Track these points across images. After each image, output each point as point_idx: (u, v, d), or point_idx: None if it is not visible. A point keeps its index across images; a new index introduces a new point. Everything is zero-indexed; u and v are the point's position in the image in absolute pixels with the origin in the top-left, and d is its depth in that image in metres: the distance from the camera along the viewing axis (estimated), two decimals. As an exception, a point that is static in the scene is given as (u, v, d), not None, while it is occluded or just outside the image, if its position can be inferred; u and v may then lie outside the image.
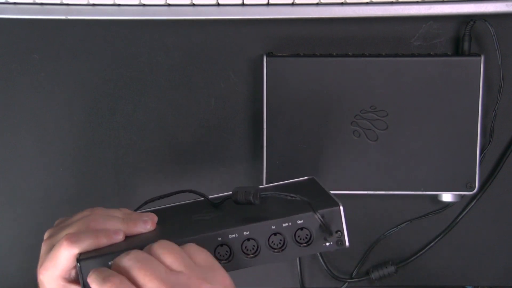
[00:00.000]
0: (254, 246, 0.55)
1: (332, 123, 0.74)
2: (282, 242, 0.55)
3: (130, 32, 0.75)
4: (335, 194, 0.59)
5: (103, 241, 0.54)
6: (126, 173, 0.78)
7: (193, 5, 0.71)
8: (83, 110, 0.77)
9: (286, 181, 0.64)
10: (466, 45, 0.74)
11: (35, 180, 0.78)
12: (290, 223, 0.55)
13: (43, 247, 0.56)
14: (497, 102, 0.75)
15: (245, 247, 0.55)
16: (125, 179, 0.78)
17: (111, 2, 0.70)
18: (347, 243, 0.56)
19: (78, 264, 0.52)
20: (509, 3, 0.71)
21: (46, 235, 0.57)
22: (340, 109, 0.73)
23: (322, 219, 0.55)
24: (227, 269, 0.52)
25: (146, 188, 0.78)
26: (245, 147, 0.78)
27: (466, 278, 0.81)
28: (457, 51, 0.76)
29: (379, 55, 0.74)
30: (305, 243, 0.55)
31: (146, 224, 0.56)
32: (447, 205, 0.78)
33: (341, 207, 0.56)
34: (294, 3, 0.71)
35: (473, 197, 0.78)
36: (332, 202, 0.57)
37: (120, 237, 0.54)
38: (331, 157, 0.74)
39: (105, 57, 0.76)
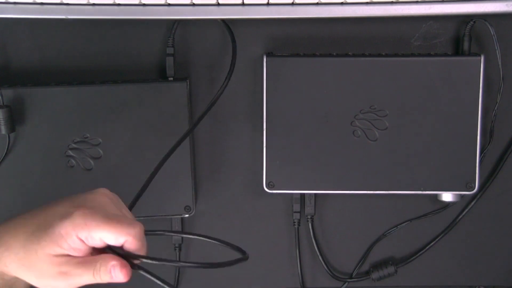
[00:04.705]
0: None
1: (332, 123, 0.74)
2: None
3: (130, 32, 0.76)
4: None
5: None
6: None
7: (193, 4, 0.71)
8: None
9: None
10: (466, 45, 0.74)
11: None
12: None
13: None
14: (497, 102, 0.75)
15: None
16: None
17: (111, 2, 0.70)
18: None
19: None
20: (509, 3, 0.71)
21: None
22: (340, 109, 0.73)
23: None
24: None
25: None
26: (245, 147, 0.78)
27: (466, 278, 0.81)
28: (457, 51, 0.76)
29: (379, 55, 0.74)
30: None
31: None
32: (447, 205, 0.78)
33: None
34: (294, 3, 0.71)
35: (473, 197, 0.78)
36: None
37: None
38: (331, 157, 0.74)
39: (105, 57, 0.76)
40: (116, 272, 0.53)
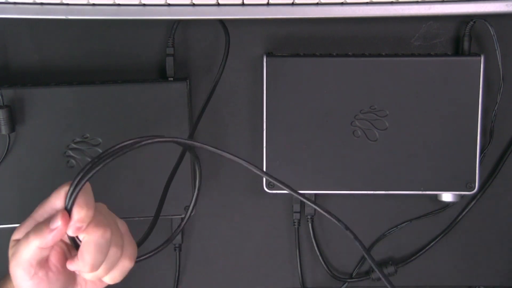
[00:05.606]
0: None
1: (332, 123, 0.74)
2: None
3: (130, 32, 0.76)
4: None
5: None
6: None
7: (193, 5, 0.71)
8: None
9: None
10: (466, 45, 0.74)
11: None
12: None
13: None
14: (497, 102, 0.75)
15: None
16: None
17: (111, 2, 0.70)
18: None
19: None
20: (509, 3, 0.71)
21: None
22: (340, 109, 0.73)
23: None
24: None
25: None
26: (245, 147, 0.78)
27: (466, 278, 0.81)
28: (457, 51, 0.76)
29: (379, 55, 0.74)
30: None
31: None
32: (447, 205, 0.78)
33: None
34: (294, 3, 0.71)
35: (473, 197, 0.78)
36: None
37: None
38: (331, 157, 0.74)
39: (105, 57, 0.76)
40: (54, 219, 0.54)
